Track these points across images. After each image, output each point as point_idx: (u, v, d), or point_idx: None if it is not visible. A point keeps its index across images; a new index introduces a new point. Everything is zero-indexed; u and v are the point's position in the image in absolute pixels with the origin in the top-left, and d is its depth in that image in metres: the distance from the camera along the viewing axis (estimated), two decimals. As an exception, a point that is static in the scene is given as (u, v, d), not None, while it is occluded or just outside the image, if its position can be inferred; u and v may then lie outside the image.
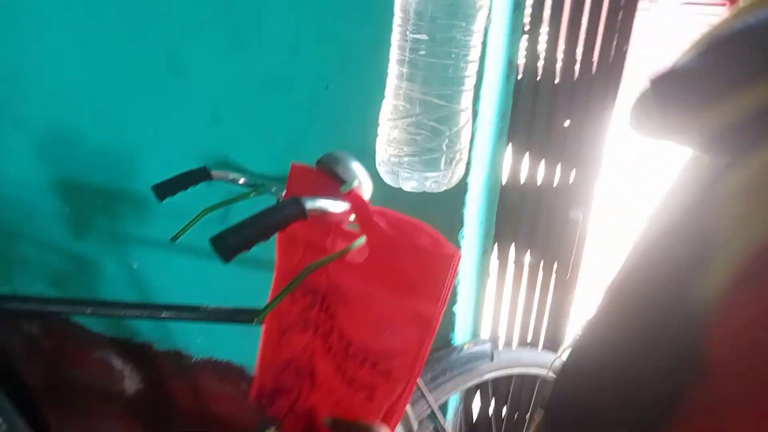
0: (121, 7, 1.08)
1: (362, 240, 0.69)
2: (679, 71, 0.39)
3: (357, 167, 0.77)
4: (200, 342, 1.48)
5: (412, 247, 0.67)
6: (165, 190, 1.03)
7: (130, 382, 1.61)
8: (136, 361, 1.59)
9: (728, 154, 0.36)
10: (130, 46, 1.11)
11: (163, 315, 0.97)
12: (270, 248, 0.84)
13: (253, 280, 1.27)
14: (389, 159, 0.76)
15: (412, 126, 0.67)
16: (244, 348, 1.44)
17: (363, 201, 0.70)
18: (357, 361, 0.73)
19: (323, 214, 0.67)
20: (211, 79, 1.08)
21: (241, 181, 1.08)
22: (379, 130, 0.78)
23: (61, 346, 1.67)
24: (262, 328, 0.93)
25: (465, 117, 0.76)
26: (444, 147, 0.68)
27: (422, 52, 0.67)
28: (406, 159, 0.70)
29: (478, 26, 0.65)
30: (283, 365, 0.89)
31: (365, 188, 0.77)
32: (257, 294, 1.28)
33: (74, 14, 1.12)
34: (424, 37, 0.65)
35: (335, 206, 0.68)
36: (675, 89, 0.39)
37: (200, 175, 1.06)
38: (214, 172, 1.07)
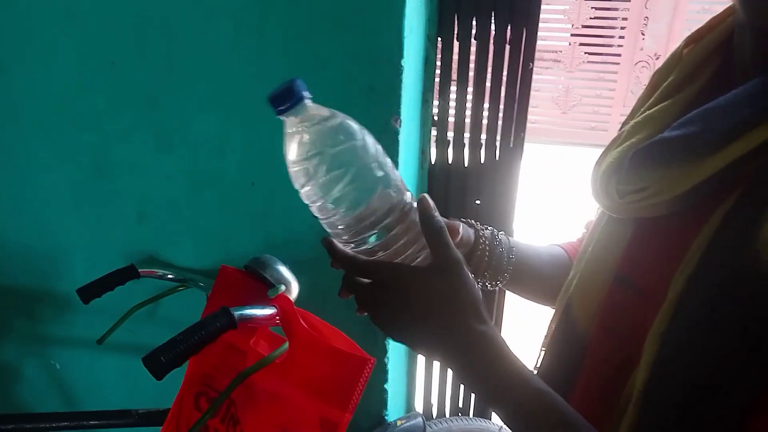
0: (46, 110, 1.09)
1: (286, 345, 0.72)
2: (664, 142, 0.48)
3: (283, 271, 0.82)
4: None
5: (330, 350, 0.70)
6: (90, 292, 1.03)
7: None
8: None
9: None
10: (53, 151, 1.12)
11: (91, 423, 0.95)
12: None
13: (180, 375, 1.26)
14: None
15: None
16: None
17: (290, 305, 0.74)
18: None
19: (251, 320, 0.70)
20: (138, 178, 1.10)
21: (170, 276, 1.09)
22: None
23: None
24: None
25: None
26: None
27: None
28: None
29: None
30: None
31: (292, 290, 0.82)
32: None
33: (-4, 119, 1.12)
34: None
35: (263, 312, 0.72)
36: (663, 153, 0.48)
37: (128, 274, 1.06)
38: (142, 270, 1.08)
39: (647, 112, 0.54)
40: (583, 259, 0.61)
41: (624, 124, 0.60)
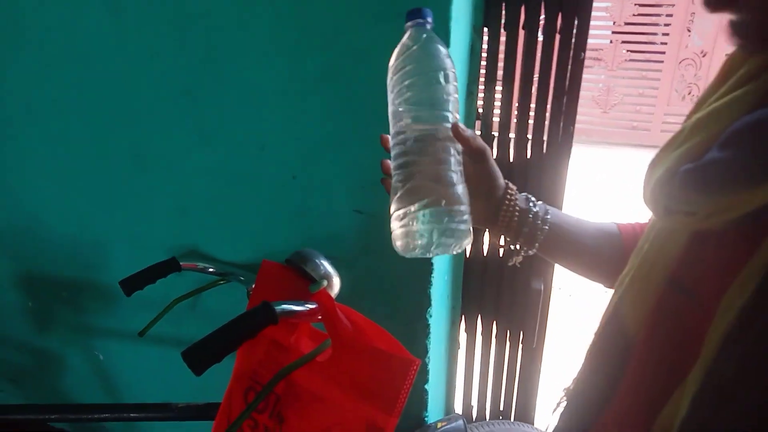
0: (88, 104, 1.10)
1: (329, 342, 0.70)
2: (707, 165, 0.44)
3: (326, 265, 0.80)
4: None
5: (374, 351, 0.68)
6: (133, 284, 1.03)
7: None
8: (101, 457, 1.52)
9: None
10: (98, 143, 1.13)
11: (131, 416, 0.95)
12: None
13: (222, 370, 1.26)
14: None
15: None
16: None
17: (331, 301, 0.71)
18: None
19: (292, 315, 0.68)
20: (178, 173, 1.10)
21: (211, 270, 1.09)
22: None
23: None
24: None
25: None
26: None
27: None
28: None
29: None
30: None
31: (333, 285, 0.80)
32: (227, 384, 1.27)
33: (42, 112, 1.14)
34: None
35: (305, 308, 0.70)
36: (715, 176, 0.44)
37: (169, 267, 1.06)
38: (184, 263, 1.08)
39: (714, 104, 0.49)
40: (638, 257, 0.58)
41: (689, 115, 0.55)
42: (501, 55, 1.12)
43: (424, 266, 1.06)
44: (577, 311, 3.18)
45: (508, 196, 0.68)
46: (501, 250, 1.26)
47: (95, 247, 1.23)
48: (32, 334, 1.39)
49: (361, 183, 1.01)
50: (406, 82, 0.61)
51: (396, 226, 0.62)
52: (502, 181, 0.69)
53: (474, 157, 0.65)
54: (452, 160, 0.61)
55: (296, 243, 1.07)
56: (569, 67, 1.10)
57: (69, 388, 1.43)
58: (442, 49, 0.61)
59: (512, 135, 1.17)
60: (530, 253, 0.71)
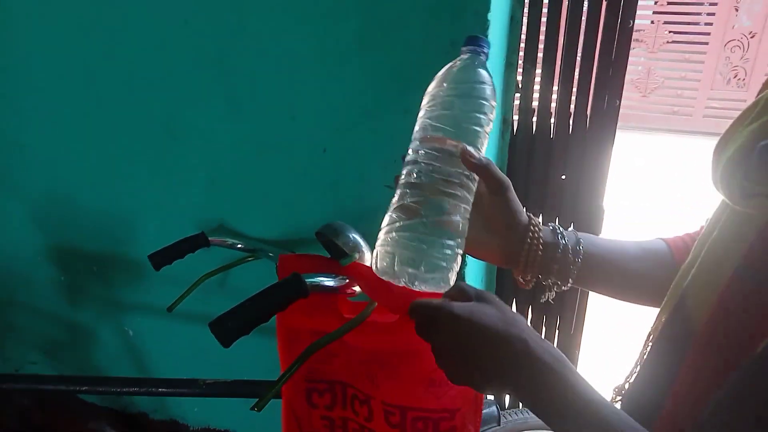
0: (119, 77, 1.09)
1: (372, 307, 0.67)
2: None
3: (356, 238, 0.76)
4: (197, 411, 1.44)
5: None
6: (162, 259, 1.02)
7: (125, 453, 1.55)
8: (132, 431, 1.53)
9: None
10: (128, 113, 1.11)
11: (159, 390, 0.94)
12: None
13: (251, 347, 1.24)
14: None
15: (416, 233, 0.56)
16: (243, 417, 1.40)
17: (367, 269, 0.68)
18: (418, 427, 0.68)
19: (324, 289, 0.65)
20: (209, 144, 1.08)
21: (239, 245, 1.07)
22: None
23: (55, 419, 1.61)
24: None
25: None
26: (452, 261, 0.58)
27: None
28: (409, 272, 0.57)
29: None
30: None
31: (365, 260, 0.76)
32: (256, 362, 1.25)
33: (73, 83, 1.13)
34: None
35: (336, 281, 0.66)
36: None
37: (198, 242, 1.05)
38: (212, 238, 1.06)
39: None
40: (703, 248, 0.53)
41: (762, 89, 0.49)
42: (543, 23, 1.05)
43: (459, 245, 1.02)
44: (610, 304, 3.08)
45: (531, 232, 0.61)
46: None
47: (125, 220, 1.22)
48: (64, 308, 1.41)
49: (394, 156, 0.97)
50: (444, 101, 0.58)
51: (377, 243, 0.59)
52: (524, 216, 0.62)
53: (491, 188, 0.60)
54: (458, 189, 0.57)
55: (326, 218, 1.04)
56: (616, 35, 1.04)
57: (99, 362, 1.45)
58: (489, 82, 0.59)
59: (553, 109, 1.11)
60: (564, 288, 0.65)
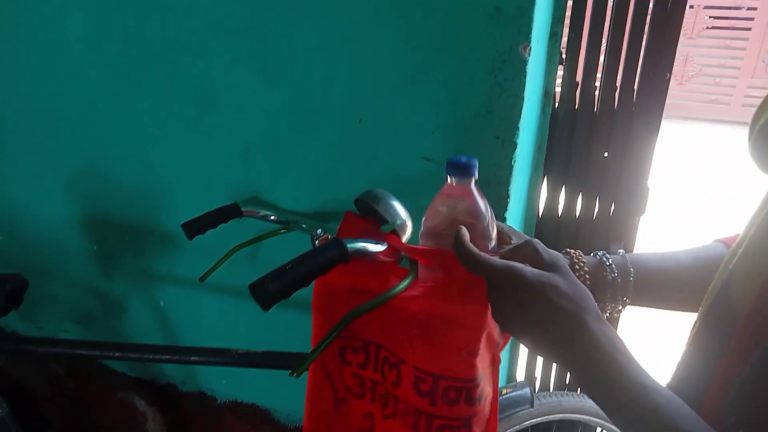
0: (153, 44, 1.08)
1: (413, 276, 0.66)
2: None
3: (398, 207, 0.74)
4: (225, 384, 1.44)
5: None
6: (195, 228, 1.01)
7: (154, 423, 1.57)
8: (160, 402, 1.55)
9: None
10: (161, 83, 1.10)
11: (191, 359, 0.93)
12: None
13: (281, 320, 1.24)
14: None
15: None
16: (270, 391, 1.39)
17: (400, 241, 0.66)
18: (450, 397, 0.67)
19: (365, 255, 0.63)
20: (242, 113, 1.06)
21: (272, 217, 1.05)
22: None
23: (85, 387, 1.64)
24: (307, 407, 0.84)
25: None
26: None
27: None
28: None
29: None
30: None
31: (406, 228, 0.74)
32: (286, 334, 1.24)
33: (107, 53, 1.12)
34: None
35: (378, 247, 0.64)
36: None
37: (231, 212, 1.04)
38: (245, 209, 1.05)
39: None
40: (751, 228, 0.50)
41: None
42: (592, -10, 1.00)
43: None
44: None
45: (571, 265, 0.63)
46: (577, 212, 1.16)
47: (158, 191, 1.22)
48: (97, 278, 1.42)
49: (431, 127, 0.94)
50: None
51: None
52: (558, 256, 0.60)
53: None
54: None
55: (360, 191, 1.02)
56: (669, 4, 0.98)
57: (129, 332, 1.46)
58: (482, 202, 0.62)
59: (598, 82, 1.06)
60: (621, 310, 0.65)
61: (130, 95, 1.15)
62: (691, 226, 3.81)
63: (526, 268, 0.53)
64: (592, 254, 0.67)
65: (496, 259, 0.56)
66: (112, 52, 1.12)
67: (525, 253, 0.57)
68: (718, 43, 5.92)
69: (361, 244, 0.62)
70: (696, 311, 0.62)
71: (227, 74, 1.04)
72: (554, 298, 0.51)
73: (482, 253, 0.57)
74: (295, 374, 0.58)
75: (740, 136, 5.21)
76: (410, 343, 0.70)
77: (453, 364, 0.67)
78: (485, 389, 0.69)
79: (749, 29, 5.74)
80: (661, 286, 0.65)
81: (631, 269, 0.64)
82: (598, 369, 0.50)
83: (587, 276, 0.63)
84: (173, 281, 1.32)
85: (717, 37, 5.90)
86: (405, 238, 0.75)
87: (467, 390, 0.67)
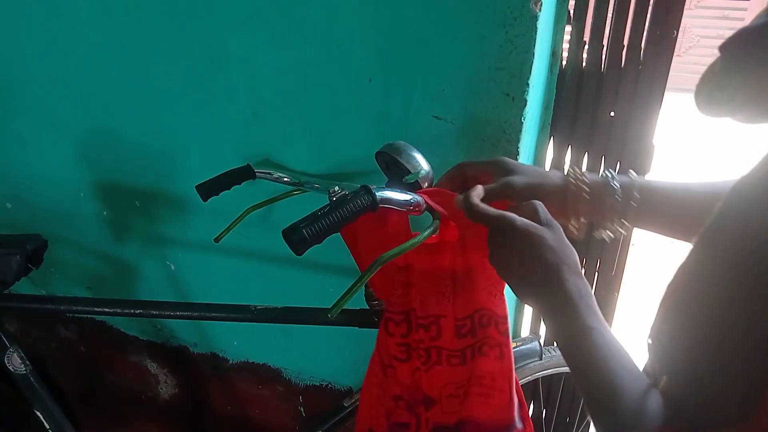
0: (160, 4, 1.07)
1: (438, 223, 0.70)
2: (749, 30, 0.38)
3: (419, 157, 0.76)
4: (237, 344, 1.47)
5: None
6: (209, 189, 1.03)
7: (166, 386, 1.60)
8: (172, 364, 1.58)
9: None
10: (170, 44, 1.10)
11: (212, 315, 0.96)
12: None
13: (293, 281, 1.26)
14: None
15: None
16: (282, 351, 1.43)
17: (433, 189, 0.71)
18: (484, 326, 0.77)
19: (392, 204, 0.66)
20: (252, 74, 1.06)
21: (285, 179, 1.06)
22: None
23: (97, 351, 1.67)
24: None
25: None
26: None
27: None
28: None
29: None
30: (393, 402, 0.88)
31: (429, 179, 0.76)
32: (298, 296, 1.27)
33: (114, 14, 1.12)
34: None
35: (405, 197, 0.67)
36: (747, 48, 0.38)
37: (244, 174, 1.05)
38: (258, 171, 1.06)
39: None
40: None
41: None
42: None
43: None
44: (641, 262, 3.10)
45: (572, 181, 0.67)
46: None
47: (167, 155, 1.23)
48: (107, 243, 1.43)
49: (442, 86, 0.95)
50: None
51: None
52: (550, 174, 0.69)
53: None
54: None
55: (371, 151, 1.03)
56: (678, -39, 0.98)
57: (141, 296, 1.48)
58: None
59: (606, 41, 1.07)
60: (623, 232, 0.67)
61: (139, 58, 1.15)
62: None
63: (518, 218, 0.59)
64: (601, 174, 0.68)
65: (492, 209, 0.62)
66: (120, 13, 1.12)
67: (525, 210, 0.62)
68: (717, 13, 5.89)
69: (388, 192, 0.64)
70: None
71: (237, 35, 1.04)
72: (538, 246, 0.57)
73: (482, 204, 0.63)
74: (330, 314, 0.61)
75: (736, 106, 5.20)
76: (447, 299, 0.78)
77: (482, 299, 0.77)
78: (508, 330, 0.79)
79: (747, -1, 5.72)
80: (666, 214, 0.66)
81: (636, 194, 0.65)
82: (560, 313, 0.55)
83: (587, 193, 0.65)
84: (184, 245, 1.34)
85: (715, 7, 5.87)
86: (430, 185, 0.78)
87: (496, 319, 0.78)
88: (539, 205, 0.62)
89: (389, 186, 0.69)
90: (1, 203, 1.52)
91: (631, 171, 0.68)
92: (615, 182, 0.66)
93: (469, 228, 0.71)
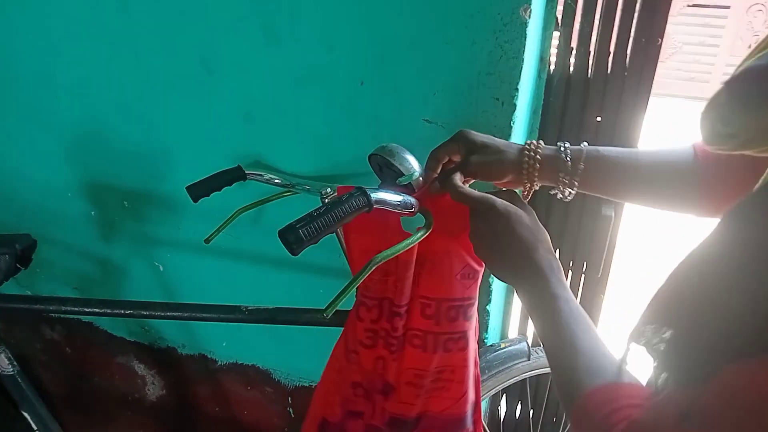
0: (152, 4, 1.07)
1: (428, 226, 0.72)
2: (756, 69, 0.39)
3: (412, 159, 0.77)
4: (226, 346, 1.47)
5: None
6: (199, 190, 1.03)
7: (153, 387, 1.59)
8: (160, 366, 1.57)
9: None
10: (162, 44, 1.10)
11: (203, 316, 0.96)
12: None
13: (282, 283, 1.27)
14: None
15: None
16: (270, 352, 1.43)
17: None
18: (451, 315, 0.82)
19: (386, 205, 0.67)
20: (245, 76, 1.07)
21: (276, 180, 1.07)
22: None
23: (83, 352, 1.66)
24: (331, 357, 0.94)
25: None
26: None
27: None
28: None
29: None
30: (351, 389, 0.90)
31: (421, 180, 0.77)
32: (287, 298, 1.28)
33: (105, 12, 1.11)
34: None
35: (398, 197, 0.68)
36: (753, 87, 0.39)
37: (235, 175, 1.05)
38: (249, 172, 1.06)
39: None
40: None
41: None
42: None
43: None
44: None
45: (527, 152, 0.73)
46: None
47: (157, 155, 1.22)
48: (94, 243, 1.42)
49: (433, 89, 0.97)
50: None
51: None
52: (510, 146, 0.75)
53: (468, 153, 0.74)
54: None
55: (362, 153, 1.04)
56: (662, -31, 1.01)
57: (129, 297, 1.47)
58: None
59: (593, 44, 1.09)
60: (572, 191, 0.73)
61: (129, 57, 1.14)
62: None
63: (498, 199, 0.66)
64: (556, 145, 0.75)
65: (475, 192, 0.69)
66: (110, 13, 1.11)
67: (505, 194, 0.70)
68: (698, 21, 6.00)
69: (383, 194, 0.65)
70: (650, 205, 0.74)
71: (228, 38, 1.05)
72: (516, 225, 0.63)
73: (465, 186, 0.70)
74: (324, 314, 0.62)
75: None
76: (416, 282, 0.81)
77: (452, 288, 0.81)
78: (474, 316, 0.85)
79: (728, 7, 5.82)
80: (612, 177, 0.73)
81: (582, 162, 0.71)
82: (532, 285, 0.61)
83: (539, 162, 0.72)
84: (173, 245, 1.33)
85: (697, 15, 5.98)
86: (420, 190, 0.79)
87: (464, 307, 0.82)
88: (515, 193, 0.71)
89: (382, 188, 0.70)
90: (-14, 203, 1.50)
91: (584, 142, 0.75)
92: (566, 151, 0.72)
93: (443, 212, 0.76)
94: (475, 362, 0.88)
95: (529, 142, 0.75)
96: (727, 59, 5.95)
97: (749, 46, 5.75)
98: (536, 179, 0.73)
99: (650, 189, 0.73)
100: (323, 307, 0.84)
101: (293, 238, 0.57)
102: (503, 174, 0.73)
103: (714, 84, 6.00)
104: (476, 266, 0.80)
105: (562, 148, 0.73)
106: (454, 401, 0.86)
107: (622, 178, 0.73)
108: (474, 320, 0.85)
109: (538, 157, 0.73)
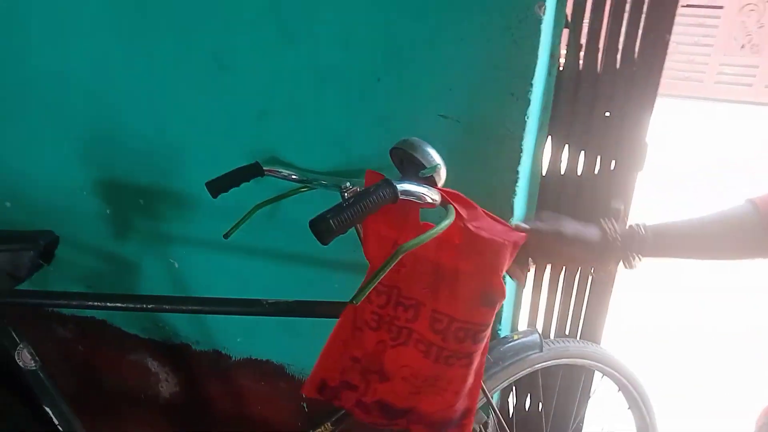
0: (168, 2, 1.08)
1: (452, 218, 0.73)
2: None
3: (433, 152, 0.79)
4: (240, 342, 1.48)
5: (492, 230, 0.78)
6: (218, 186, 1.04)
7: (167, 384, 1.60)
8: (174, 362, 1.58)
9: None
10: (177, 42, 1.11)
11: (225, 309, 0.98)
12: (311, 244, 0.80)
13: (297, 279, 1.28)
14: None
15: None
16: (284, 347, 1.44)
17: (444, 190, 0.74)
18: (459, 336, 0.82)
19: (411, 196, 0.69)
20: (260, 73, 1.08)
21: (293, 176, 1.08)
22: None
23: (96, 349, 1.66)
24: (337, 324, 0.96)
25: None
26: None
27: None
28: None
29: None
30: (350, 362, 0.92)
31: (442, 174, 0.79)
32: (302, 293, 1.29)
33: (120, 10, 1.12)
34: None
35: (422, 189, 0.70)
36: None
37: (253, 172, 1.07)
38: (266, 168, 1.08)
39: None
40: None
41: None
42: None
43: (509, 175, 1.05)
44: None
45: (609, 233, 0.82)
46: (579, 169, 1.23)
47: (172, 153, 1.24)
48: (109, 241, 1.43)
49: (449, 85, 0.99)
50: None
51: None
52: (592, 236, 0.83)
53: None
54: None
55: (378, 149, 1.06)
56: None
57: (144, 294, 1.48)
58: None
59: (602, 41, 1.12)
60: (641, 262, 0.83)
61: (143, 56, 1.16)
62: (670, 198, 3.95)
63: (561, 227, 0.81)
64: (629, 225, 0.83)
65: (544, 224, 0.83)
66: (124, 10, 1.12)
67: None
68: (692, 21, 6.05)
69: (407, 185, 0.67)
70: (717, 260, 0.84)
71: (245, 34, 1.06)
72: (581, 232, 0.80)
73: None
74: (354, 301, 0.64)
75: (712, 111, 5.37)
76: (432, 291, 0.82)
77: (468, 310, 0.81)
78: (486, 342, 0.85)
79: (721, 7, 5.88)
80: (680, 246, 0.82)
81: (651, 237, 0.80)
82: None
83: (619, 242, 0.81)
84: (187, 242, 1.35)
85: (691, 15, 6.03)
86: (440, 183, 0.81)
87: (474, 332, 0.82)
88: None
89: (405, 180, 0.72)
90: (0, 202, 1.51)
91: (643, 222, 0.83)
92: (640, 231, 0.80)
93: (478, 242, 0.78)
94: (478, 375, 0.88)
95: (606, 222, 0.84)
96: (720, 59, 6.02)
97: (742, 46, 5.81)
98: (615, 256, 0.83)
99: (721, 253, 0.82)
100: (341, 300, 0.88)
101: (324, 227, 0.59)
102: (586, 247, 0.83)
103: (707, 83, 6.07)
104: (499, 296, 0.80)
105: (640, 229, 0.81)
106: (445, 407, 0.88)
107: (690, 250, 0.82)
108: (484, 343, 0.85)
109: (617, 236, 0.82)
